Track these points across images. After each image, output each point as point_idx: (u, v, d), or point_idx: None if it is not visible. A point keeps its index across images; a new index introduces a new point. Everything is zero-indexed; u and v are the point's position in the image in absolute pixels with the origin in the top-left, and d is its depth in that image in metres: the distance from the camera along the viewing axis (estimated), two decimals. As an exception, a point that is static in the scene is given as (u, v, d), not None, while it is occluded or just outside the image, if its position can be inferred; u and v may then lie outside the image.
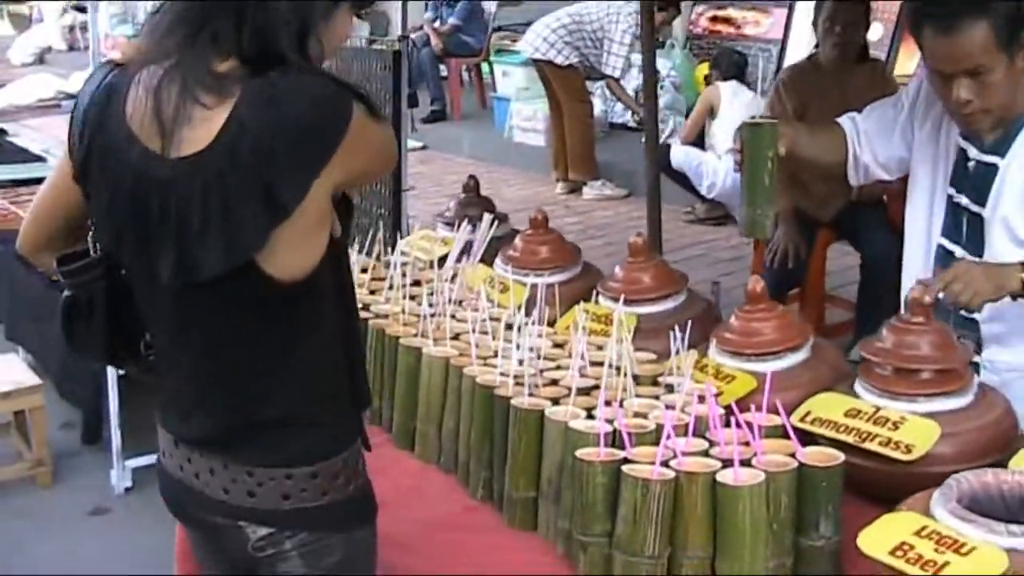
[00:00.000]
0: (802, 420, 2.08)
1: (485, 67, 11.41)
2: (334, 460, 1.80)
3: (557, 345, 2.48)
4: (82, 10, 19.83)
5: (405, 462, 2.40)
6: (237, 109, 1.61)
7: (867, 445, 1.97)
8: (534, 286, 2.69)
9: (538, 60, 8.24)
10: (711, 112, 7.38)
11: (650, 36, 4.73)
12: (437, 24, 11.10)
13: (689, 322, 2.42)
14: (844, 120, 2.80)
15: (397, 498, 2.19)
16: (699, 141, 7.47)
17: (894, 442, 1.95)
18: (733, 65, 7.45)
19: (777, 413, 1.94)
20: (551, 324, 2.59)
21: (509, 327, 2.43)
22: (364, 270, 2.95)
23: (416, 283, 2.87)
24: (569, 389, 2.10)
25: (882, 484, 1.97)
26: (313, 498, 1.77)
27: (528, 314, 2.56)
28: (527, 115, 9.58)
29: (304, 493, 1.77)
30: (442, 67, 11.31)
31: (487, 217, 3.08)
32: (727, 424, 1.92)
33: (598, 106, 9.19)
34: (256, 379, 1.76)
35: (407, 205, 4.62)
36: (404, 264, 2.86)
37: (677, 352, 2.21)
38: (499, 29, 11.98)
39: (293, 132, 1.61)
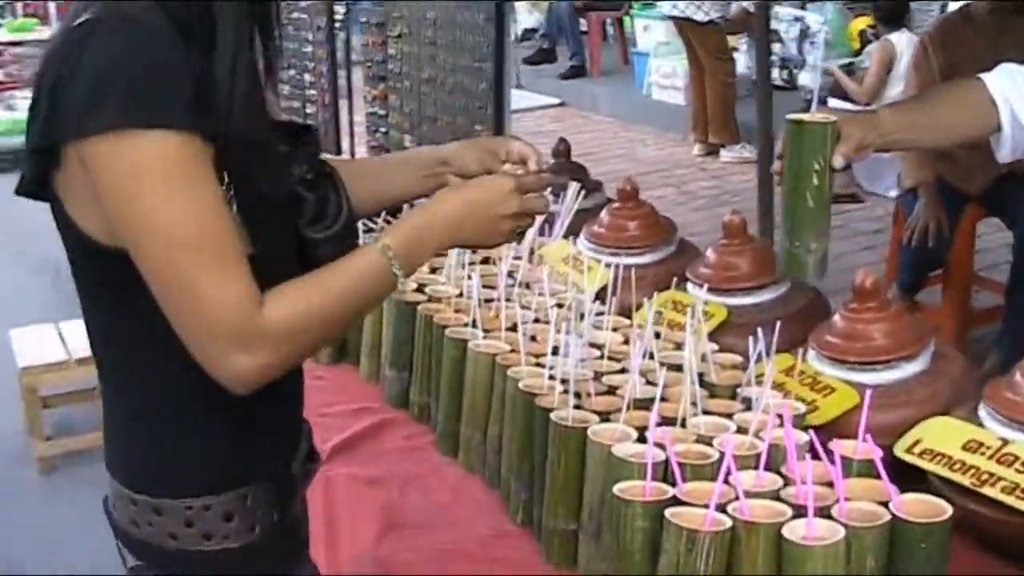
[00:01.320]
0: (909, 451, 1.70)
1: (627, 21, 10.95)
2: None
3: (629, 342, 2.13)
4: None
5: (446, 471, 2.08)
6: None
7: (986, 490, 1.58)
8: (615, 267, 2.34)
9: (676, 17, 7.79)
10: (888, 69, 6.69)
11: None
12: (578, -24, 10.69)
13: (790, 318, 2.08)
14: (993, 80, 2.11)
15: (422, 520, 1.88)
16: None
17: (1022, 489, 1.56)
18: (894, 15, 6.73)
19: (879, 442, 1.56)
20: (629, 314, 2.24)
21: (580, 317, 2.10)
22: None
23: (485, 260, 2.55)
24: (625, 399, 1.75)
25: (1007, 539, 1.58)
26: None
27: (604, 301, 2.22)
28: (666, 72, 9.12)
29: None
30: (582, 21, 10.92)
31: (573, 186, 2.73)
32: (814, 454, 1.55)
33: (742, 63, 8.68)
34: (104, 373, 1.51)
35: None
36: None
37: (759, 358, 1.83)
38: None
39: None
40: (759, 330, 1.85)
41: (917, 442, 1.71)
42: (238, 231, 1.34)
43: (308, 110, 5.77)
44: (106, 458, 1.53)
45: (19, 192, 1.39)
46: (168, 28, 1.30)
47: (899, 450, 1.69)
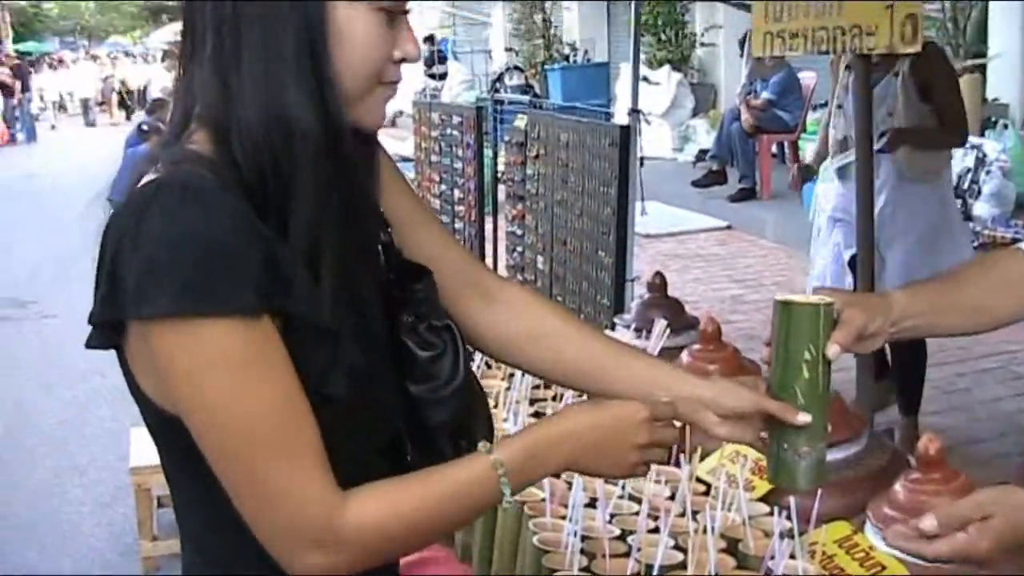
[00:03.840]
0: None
1: (801, 144, 10.78)
2: None
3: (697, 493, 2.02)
4: (434, 76, 20.77)
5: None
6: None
7: None
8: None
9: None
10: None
11: (866, 97, 4.01)
12: (750, 97, 10.58)
13: (860, 481, 1.93)
14: None
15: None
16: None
17: None
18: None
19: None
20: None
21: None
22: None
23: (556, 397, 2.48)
24: (648, 566, 1.64)
25: None
26: None
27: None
28: (833, 197, 8.88)
29: None
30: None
31: (660, 323, 2.64)
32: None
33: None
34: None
35: (632, 293, 4.19)
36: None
37: (802, 532, 1.69)
38: (826, 104, 11.31)
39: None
40: (819, 492, 1.72)
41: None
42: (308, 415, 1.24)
43: (456, 225, 5.85)
44: None
45: (89, 346, 1.31)
46: (236, 195, 1.22)
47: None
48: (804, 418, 1.50)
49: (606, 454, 1.40)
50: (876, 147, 4.20)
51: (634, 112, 4.38)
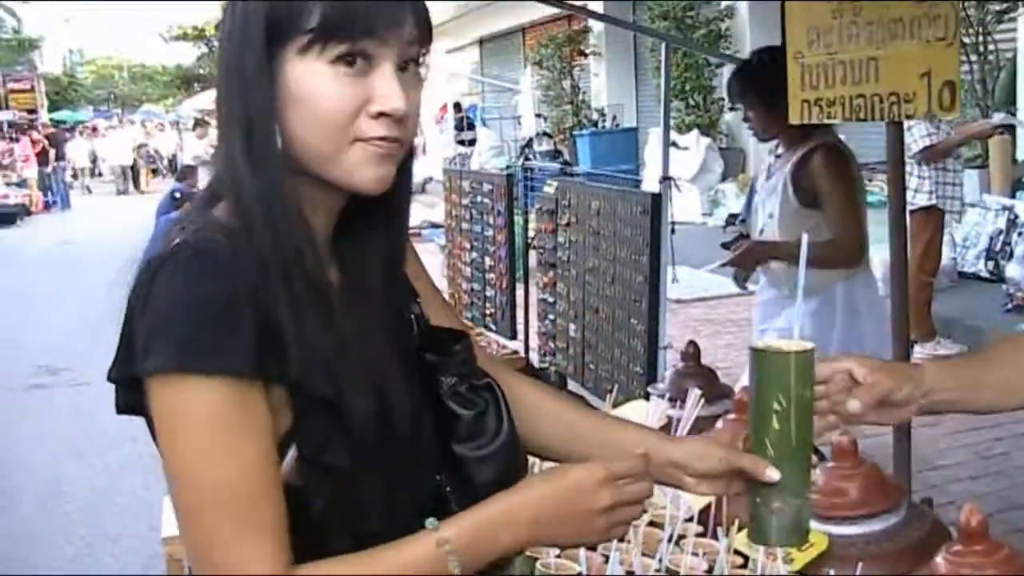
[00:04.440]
0: None
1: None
2: None
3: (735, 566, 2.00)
4: (463, 143, 20.97)
5: None
6: None
7: None
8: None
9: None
10: None
11: (899, 159, 3.96)
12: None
13: (901, 553, 1.91)
14: None
15: None
16: None
17: None
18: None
19: None
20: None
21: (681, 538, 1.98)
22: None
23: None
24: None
25: None
26: None
27: (703, 522, 2.11)
28: (865, 261, 8.85)
29: None
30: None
31: (694, 392, 2.63)
32: None
33: (945, 253, 8.39)
34: None
35: (665, 361, 4.18)
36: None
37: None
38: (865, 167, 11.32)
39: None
40: (859, 565, 1.70)
41: None
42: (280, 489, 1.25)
43: (488, 292, 5.87)
44: None
45: (119, 412, 1.33)
46: (249, 261, 1.25)
47: None
48: (772, 474, 1.45)
49: (567, 522, 1.35)
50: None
51: (665, 179, 4.40)
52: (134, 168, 31.40)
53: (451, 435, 1.42)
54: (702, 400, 2.61)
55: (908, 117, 3.23)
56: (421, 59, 1.35)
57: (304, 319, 1.26)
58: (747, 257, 4.00)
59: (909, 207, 7.51)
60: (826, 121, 3.50)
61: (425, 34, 1.34)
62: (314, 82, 1.27)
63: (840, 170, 3.85)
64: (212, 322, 1.20)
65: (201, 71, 47.49)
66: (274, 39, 1.27)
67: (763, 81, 3.84)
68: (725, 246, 11.00)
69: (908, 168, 7.46)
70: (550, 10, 15.40)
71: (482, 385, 1.46)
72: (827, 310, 3.90)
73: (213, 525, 1.21)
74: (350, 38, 1.26)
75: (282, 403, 1.26)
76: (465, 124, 21.04)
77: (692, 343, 3.00)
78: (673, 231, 6.86)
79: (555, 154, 17.41)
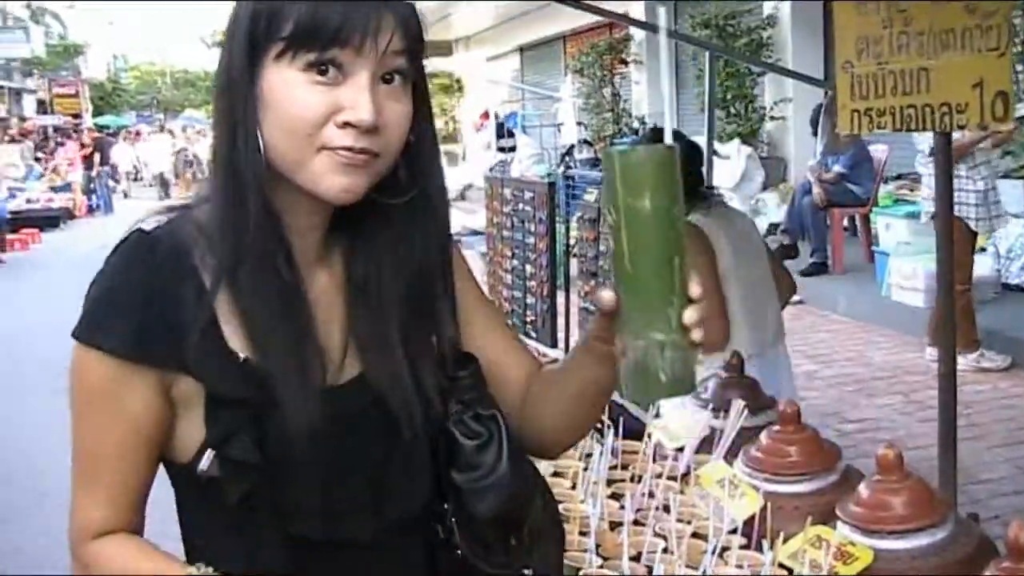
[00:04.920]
0: None
1: (873, 218, 10.71)
2: None
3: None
4: (502, 149, 20.99)
5: None
6: None
7: None
8: (766, 495, 2.21)
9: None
10: None
11: (947, 173, 3.92)
12: (821, 171, 10.54)
13: (948, 567, 1.89)
14: None
15: None
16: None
17: None
18: None
19: None
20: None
21: (725, 550, 1.98)
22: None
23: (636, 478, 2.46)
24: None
25: None
26: None
27: (747, 534, 2.09)
28: (906, 273, 8.79)
29: None
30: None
31: (737, 403, 2.62)
32: None
33: (988, 264, 8.31)
34: None
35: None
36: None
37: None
38: (898, 177, 11.25)
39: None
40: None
41: None
42: (137, 463, 1.38)
43: (528, 300, 5.86)
44: None
45: None
46: (196, 255, 1.34)
47: None
48: (603, 295, 1.28)
49: None
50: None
51: (709, 189, 4.37)
52: (174, 173, 31.65)
53: (451, 462, 1.42)
54: (745, 411, 2.60)
55: (960, 127, 3.21)
56: (405, 70, 1.34)
57: (244, 318, 1.33)
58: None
59: (926, 214, 7.44)
60: (876, 132, 3.48)
61: (413, 45, 1.34)
62: (285, 88, 1.29)
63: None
64: (107, 303, 1.32)
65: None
66: (256, 44, 1.30)
67: None
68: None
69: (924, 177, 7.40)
70: (591, 18, 15.41)
71: (488, 416, 1.45)
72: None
73: (75, 474, 1.39)
74: (319, 47, 1.27)
75: (193, 393, 1.34)
76: (505, 132, 21.06)
77: (735, 353, 2.99)
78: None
79: (595, 162, 17.39)
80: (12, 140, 27.34)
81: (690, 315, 1.23)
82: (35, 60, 40.25)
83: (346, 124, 1.29)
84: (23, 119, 34.04)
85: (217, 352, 1.32)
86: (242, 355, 1.33)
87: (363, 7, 1.28)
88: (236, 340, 1.33)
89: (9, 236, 18.87)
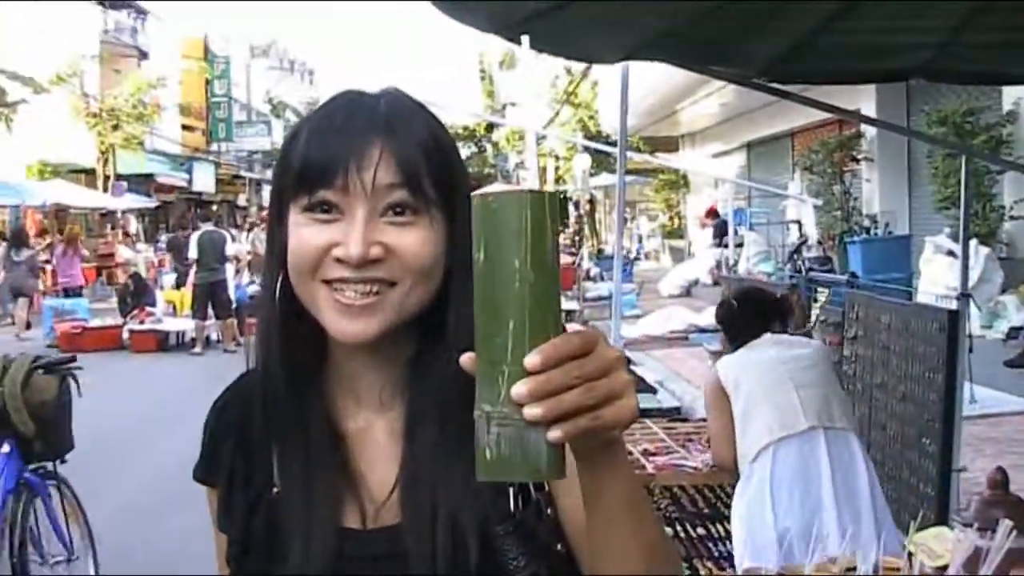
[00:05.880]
0: None
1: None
2: None
3: None
4: (722, 247, 20.82)
5: None
6: None
7: None
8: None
9: None
10: None
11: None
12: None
13: None
14: None
15: None
16: None
17: None
18: None
19: None
20: None
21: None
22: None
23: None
24: None
25: None
26: None
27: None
28: None
29: None
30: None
31: (1005, 523, 2.55)
32: None
33: None
34: None
35: (957, 484, 4.04)
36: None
37: None
38: None
39: None
40: None
41: None
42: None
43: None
44: None
45: None
46: (246, 395, 1.47)
47: None
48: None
49: None
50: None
51: (963, 296, 4.28)
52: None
53: None
54: (1013, 532, 2.53)
55: None
56: (408, 202, 1.33)
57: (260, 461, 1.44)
58: None
59: None
60: None
61: (413, 177, 1.33)
62: (294, 229, 1.36)
63: None
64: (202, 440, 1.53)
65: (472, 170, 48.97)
66: (281, 193, 1.39)
67: None
68: (1010, 364, 10.52)
69: None
70: (820, 115, 15.27)
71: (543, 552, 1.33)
72: None
73: None
74: (308, 190, 1.33)
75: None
76: (726, 229, 20.95)
77: (1000, 469, 2.91)
78: (971, 351, 6.52)
79: (824, 260, 17.11)
80: (251, 228, 28.88)
81: (518, 389, 1.06)
82: (275, 152, 42.26)
83: (337, 259, 1.32)
84: (261, 208, 35.83)
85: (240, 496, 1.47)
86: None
87: (353, 145, 1.32)
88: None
89: (249, 320, 19.75)
